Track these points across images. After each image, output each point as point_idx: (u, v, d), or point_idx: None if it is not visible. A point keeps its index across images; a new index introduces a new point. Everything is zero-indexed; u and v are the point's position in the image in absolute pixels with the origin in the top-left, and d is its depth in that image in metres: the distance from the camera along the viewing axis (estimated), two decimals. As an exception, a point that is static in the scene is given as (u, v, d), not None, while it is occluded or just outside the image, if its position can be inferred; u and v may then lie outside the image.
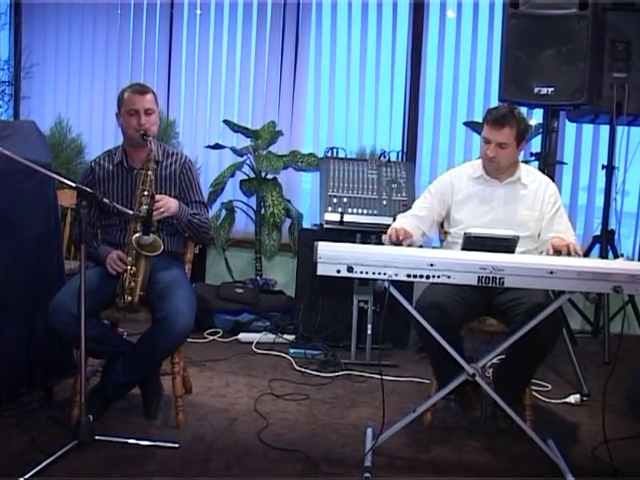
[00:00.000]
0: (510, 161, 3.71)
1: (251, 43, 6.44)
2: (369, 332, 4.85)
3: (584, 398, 4.21)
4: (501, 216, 3.69)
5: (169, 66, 6.55)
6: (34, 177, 3.39)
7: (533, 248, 3.69)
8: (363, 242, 4.81)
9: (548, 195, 3.74)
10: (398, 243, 3.41)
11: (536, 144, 5.24)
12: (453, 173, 3.92)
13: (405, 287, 3.09)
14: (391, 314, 3.47)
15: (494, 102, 5.68)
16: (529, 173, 3.82)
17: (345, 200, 4.99)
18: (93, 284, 3.32)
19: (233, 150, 6.15)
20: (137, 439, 3.24)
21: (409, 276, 2.92)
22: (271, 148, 6.12)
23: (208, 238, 3.95)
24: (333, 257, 2.92)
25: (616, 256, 5.29)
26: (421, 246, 3.65)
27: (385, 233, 3.56)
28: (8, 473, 2.86)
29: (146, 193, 3.44)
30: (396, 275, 2.91)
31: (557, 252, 3.33)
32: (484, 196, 3.76)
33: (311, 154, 6.04)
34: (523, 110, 4.35)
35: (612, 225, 5.47)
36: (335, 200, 4.99)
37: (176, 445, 3.24)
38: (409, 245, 3.42)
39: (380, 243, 3.49)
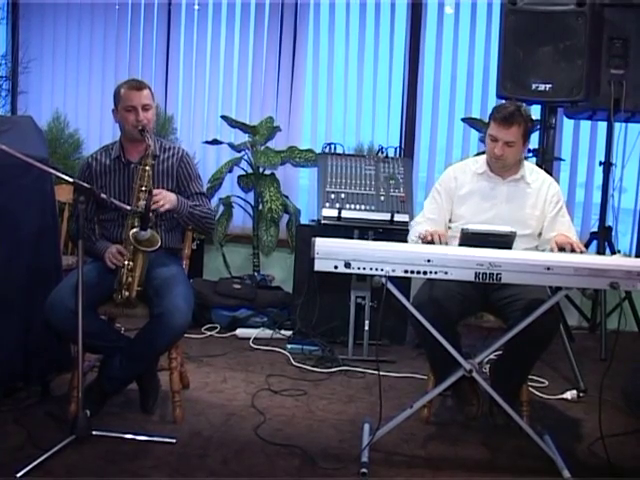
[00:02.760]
0: (516, 159, 3.71)
1: (249, 38, 6.42)
2: (366, 328, 4.86)
3: (581, 394, 4.22)
4: (503, 213, 3.69)
5: (167, 61, 6.53)
6: (31, 172, 3.39)
7: (533, 246, 3.69)
8: (361, 238, 4.83)
9: (551, 194, 3.74)
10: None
11: (534, 140, 5.23)
12: (457, 167, 3.92)
13: (402, 283, 3.10)
14: (388, 310, 3.47)
15: (492, 98, 5.68)
16: (532, 171, 3.82)
17: (343, 196, 4.99)
18: (91, 279, 3.33)
19: (231, 146, 6.14)
20: (134, 434, 3.25)
21: (406, 272, 2.93)
22: (269, 144, 6.11)
23: (212, 228, 3.95)
24: (331, 253, 2.92)
25: (613, 252, 5.30)
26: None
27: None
28: (5, 468, 2.86)
29: (144, 188, 3.44)
30: (393, 271, 2.92)
31: (561, 249, 3.35)
32: (487, 192, 3.76)
33: (309, 150, 6.03)
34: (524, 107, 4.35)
35: (609, 221, 5.48)
36: (333, 196, 4.99)
37: (173, 440, 3.24)
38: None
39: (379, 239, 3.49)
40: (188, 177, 3.76)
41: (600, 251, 5.30)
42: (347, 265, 2.91)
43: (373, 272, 2.93)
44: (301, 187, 6.47)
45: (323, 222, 4.92)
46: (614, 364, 3.33)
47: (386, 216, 4.89)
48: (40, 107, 6.54)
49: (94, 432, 3.13)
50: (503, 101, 4.24)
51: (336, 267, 2.93)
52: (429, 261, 2.91)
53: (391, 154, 5.34)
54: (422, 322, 3.18)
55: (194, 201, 3.72)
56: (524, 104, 3.81)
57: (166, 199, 3.48)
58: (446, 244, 3.42)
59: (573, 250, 3.33)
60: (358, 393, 4.17)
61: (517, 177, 3.75)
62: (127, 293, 3.40)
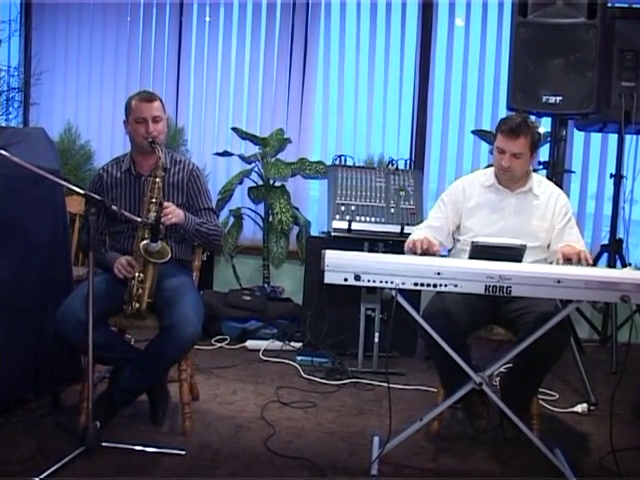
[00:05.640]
0: (524, 171, 3.70)
1: (260, 50, 6.46)
2: (376, 340, 4.85)
3: (591, 407, 4.20)
4: (511, 225, 3.68)
5: (178, 73, 6.58)
6: (43, 184, 3.40)
7: (542, 258, 3.67)
8: (371, 250, 4.82)
9: (559, 206, 3.73)
10: (422, 253, 3.38)
11: (544, 153, 5.25)
12: (465, 180, 3.92)
13: (412, 295, 3.09)
14: (398, 322, 3.46)
15: (502, 110, 5.68)
16: (541, 184, 3.81)
17: (353, 208, 5.00)
18: (101, 291, 3.33)
19: (241, 157, 6.16)
20: (144, 446, 3.25)
21: (416, 285, 2.92)
22: (279, 155, 6.13)
23: (219, 245, 3.92)
24: (341, 265, 2.92)
25: (624, 265, 5.28)
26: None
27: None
28: (15, 479, 2.87)
29: (154, 200, 3.45)
30: (403, 284, 2.91)
31: (567, 260, 3.33)
32: (495, 205, 3.75)
33: (319, 162, 6.04)
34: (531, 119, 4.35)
35: (620, 234, 5.46)
36: (343, 208, 4.99)
37: (183, 452, 3.24)
38: (433, 254, 3.40)
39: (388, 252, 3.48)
40: (197, 191, 3.77)
41: (611, 264, 5.28)
42: (357, 278, 2.91)
43: (383, 285, 2.92)
44: (311, 199, 6.48)
45: (333, 234, 4.92)
46: (625, 377, 3.32)
47: (396, 228, 4.90)
48: (52, 119, 6.58)
49: (104, 443, 3.13)
50: (513, 113, 4.24)
51: (346, 280, 2.93)
52: (439, 274, 2.91)
53: (401, 166, 5.35)
54: (432, 334, 3.17)
55: (202, 216, 3.73)
56: (533, 116, 3.80)
57: (174, 213, 3.48)
58: (433, 254, 3.39)
59: (579, 261, 3.31)
60: (368, 405, 4.16)
61: (525, 189, 3.74)
62: (137, 305, 3.40)
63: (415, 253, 3.37)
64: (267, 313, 5.57)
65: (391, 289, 2.92)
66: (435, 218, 3.83)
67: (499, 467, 3.36)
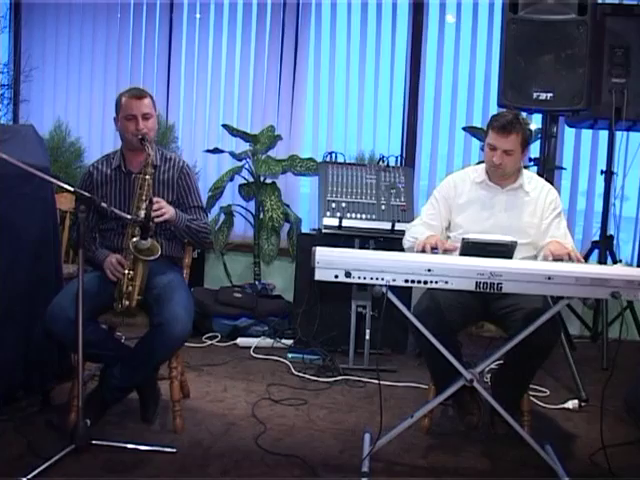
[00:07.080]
0: (515, 167, 3.70)
1: (250, 47, 6.45)
2: (367, 337, 4.85)
3: (582, 404, 4.20)
4: (502, 222, 3.68)
5: (168, 70, 6.56)
6: (32, 181, 3.38)
7: (532, 255, 3.67)
8: (362, 247, 4.82)
9: (549, 201, 3.72)
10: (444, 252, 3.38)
11: (535, 149, 5.25)
12: (456, 176, 3.91)
13: (403, 292, 3.09)
14: (389, 319, 3.46)
15: (493, 107, 5.69)
16: (531, 180, 3.80)
17: (344, 205, 4.99)
18: (91, 288, 3.32)
19: (232, 154, 6.15)
20: (134, 444, 3.24)
21: (407, 281, 2.92)
22: (270, 152, 6.12)
23: (208, 243, 3.91)
24: (331, 262, 2.91)
25: (615, 261, 5.29)
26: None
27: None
28: (4, 477, 2.86)
29: (144, 197, 3.43)
30: (394, 280, 2.91)
31: (557, 259, 3.32)
32: (485, 201, 3.75)
33: (310, 159, 6.03)
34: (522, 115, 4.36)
35: (611, 230, 5.47)
36: (334, 205, 4.99)
37: (173, 450, 3.24)
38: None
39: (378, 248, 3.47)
40: (187, 189, 3.75)
41: (601, 260, 5.28)
42: (347, 274, 2.91)
43: (373, 281, 2.92)
44: (302, 196, 6.47)
45: (324, 231, 4.92)
46: (616, 373, 3.33)
47: (387, 225, 4.89)
48: (42, 116, 6.56)
49: (94, 441, 3.12)
50: (504, 110, 4.24)
51: (336, 276, 2.92)
52: (430, 271, 2.90)
53: (392, 163, 5.35)
54: (423, 331, 3.17)
55: (191, 214, 3.72)
56: (523, 113, 3.80)
57: (164, 210, 3.46)
58: (447, 252, 3.40)
59: (570, 260, 3.31)
60: (359, 402, 4.16)
61: (516, 186, 3.74)
62: (127, 302, 3.39)
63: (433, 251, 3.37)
64: (258, 310, 5.56)
65: (382, 286, 2.92)
66: (430, 216, 3.82)
67: (490, 463, 3.36)
